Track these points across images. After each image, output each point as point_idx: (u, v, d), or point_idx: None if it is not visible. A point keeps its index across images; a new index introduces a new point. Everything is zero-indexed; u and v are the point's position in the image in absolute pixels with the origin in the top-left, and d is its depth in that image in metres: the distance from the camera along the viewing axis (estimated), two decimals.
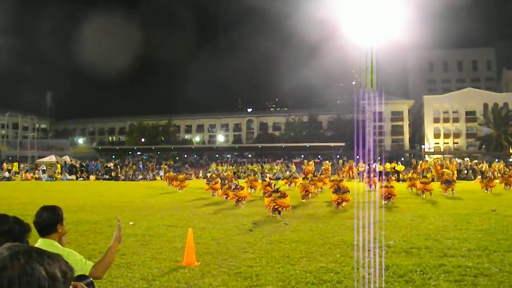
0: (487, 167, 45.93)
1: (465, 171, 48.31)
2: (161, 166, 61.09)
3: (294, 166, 57.49)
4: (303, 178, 29.92)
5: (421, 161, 52.09)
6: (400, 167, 45.99)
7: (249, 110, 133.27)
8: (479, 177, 40.88)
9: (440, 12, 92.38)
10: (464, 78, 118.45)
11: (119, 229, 4.46)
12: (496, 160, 51.92)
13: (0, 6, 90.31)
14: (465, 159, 58.08)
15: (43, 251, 1.50)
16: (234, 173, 48.01)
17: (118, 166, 61.36)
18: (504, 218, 15.39)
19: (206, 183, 28.78)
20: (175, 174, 41.56)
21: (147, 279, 8.06)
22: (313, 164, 50.19)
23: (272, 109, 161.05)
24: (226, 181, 27.75)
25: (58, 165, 56.45)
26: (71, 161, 62.49)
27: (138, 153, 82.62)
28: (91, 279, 2.87)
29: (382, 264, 8.69)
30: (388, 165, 45.40)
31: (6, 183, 44.83)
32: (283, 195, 16.93)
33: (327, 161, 54.43)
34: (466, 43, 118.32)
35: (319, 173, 37.21)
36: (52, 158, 61.55)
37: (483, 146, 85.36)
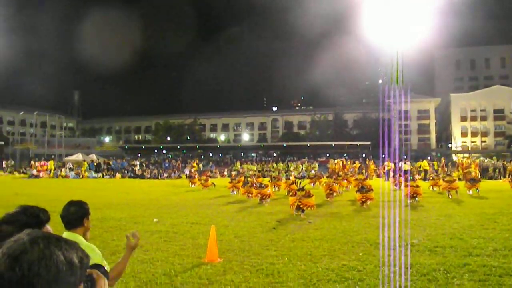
0: None
1: (492, 170, 47.61)
2: (186, 165, 61.33)
3: (317, 165, 57.38)
4: (327, 177, 29.82)
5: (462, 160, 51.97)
6: (425, 164, 45.71)
7: (274, 109, 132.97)
8: (507, 176, 40.35)
9: (467, 9, 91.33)
10: (492, 75, 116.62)
11: (131, 240, 4.40)
12: None
13: (28, 5, 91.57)
14: (493, 157, 57.32)
15: (61, 237, 1.56)
16: (259, 171, 48.00)
17: (144, 164, 61.81)
18: None
19: (229, 182, 28.87)
20: (197, 173, 41.89)
21: (169, 275, 8.12)
22: (341, 162, 50.08)
23: (297, 108, 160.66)
24: (250, 179, 27.77)
25: (85, 163, 57.08)
26: (97, 159, 63.15)
27: (164, 151, 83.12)
28: (106, 268, 2.89)
29: (404, 262, 8.63)
30: (417, 164, 45.16)
31: (34, 180, 45.53)
32: (308, 195, 16.86)
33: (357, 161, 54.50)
34: (494, 40, 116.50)
35: (352, 172, 37.01)
36: (79, 156, 62.25)
37: None
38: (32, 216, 2.95)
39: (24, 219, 2.87)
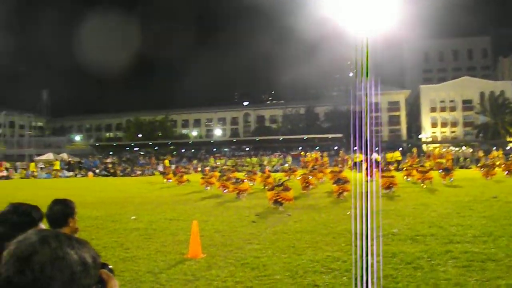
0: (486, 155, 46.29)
1: (463, 160, 48.43)
2: (159, 162, 60.94)
3: (291, 158, 57.60)
4: (302, 167, 29.83)
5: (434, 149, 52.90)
6: (397, 155, 46.25)
7: (246, 103, 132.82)
8: (478, 165, 41.16)
9: (434, 2, 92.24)
10: (460, 67, 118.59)
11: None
12: (494, 148, 52.19)
13: None
14: (463, 148, 58.28)
15: (71, 236, 1.44)
16: (233, 166, 47.91)
17: (116, 162, 61.28)
18: (506, 205, 15.37)
19: (202, 178, 28.59)
20: (173, 169, 41.67)
21: (153, 272, 8.01)
22: (315, 156, 50.26)
23: (268, 102, 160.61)
24: (226, 173, 27.69)
25: (57, 162, 56.27)
26: (68, 158, 62.35)
27: (136, 149, 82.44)
28: (111, 266, 2.77)
29: (388, 251, 8.67)
30: (389, 155, 45.60)
31: (5, 181, 44.66)
32: (286, 189, 16.88)
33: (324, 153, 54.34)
34: (461, 33, 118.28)
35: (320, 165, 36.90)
36: (49, 156, 61.39)
37: (481, 135, 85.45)
38: (23, 215, 2.81)
39: (15, 219, 2.73)
